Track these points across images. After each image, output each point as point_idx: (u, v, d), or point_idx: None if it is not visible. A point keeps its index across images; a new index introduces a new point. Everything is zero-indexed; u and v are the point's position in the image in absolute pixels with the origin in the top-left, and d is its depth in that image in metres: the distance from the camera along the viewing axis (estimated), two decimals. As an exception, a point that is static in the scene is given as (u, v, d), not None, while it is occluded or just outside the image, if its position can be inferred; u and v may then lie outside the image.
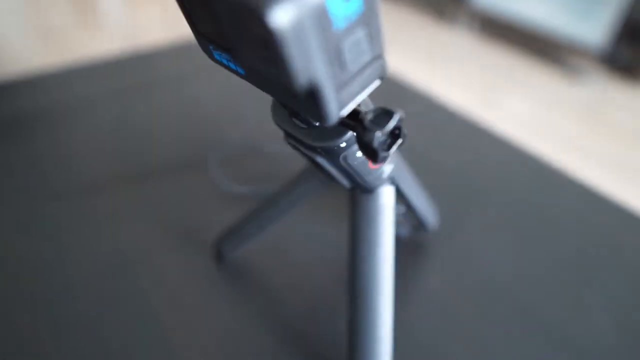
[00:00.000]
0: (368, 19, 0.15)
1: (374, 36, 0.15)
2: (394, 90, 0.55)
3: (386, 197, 0.26)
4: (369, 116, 0.17)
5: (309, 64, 0.14)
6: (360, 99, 0.17)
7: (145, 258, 0.34)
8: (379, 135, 0.17)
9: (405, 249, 0.35)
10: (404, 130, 0.18)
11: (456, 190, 0.41)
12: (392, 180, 0.26)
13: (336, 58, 0.15)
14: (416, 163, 0.43)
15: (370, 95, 0.54)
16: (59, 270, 0.33)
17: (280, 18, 0.12)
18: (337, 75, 0.15)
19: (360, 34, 0.15)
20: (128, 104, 0.50)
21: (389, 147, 0.18)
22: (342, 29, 0.14)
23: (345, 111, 0.17)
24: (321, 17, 0.13)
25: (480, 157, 0.44)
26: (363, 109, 0.18)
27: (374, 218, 0.25)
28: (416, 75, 1.84)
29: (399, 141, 0.18)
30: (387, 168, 0.25)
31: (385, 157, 0.17)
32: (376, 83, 0.17)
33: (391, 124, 0.17)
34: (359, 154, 0.22)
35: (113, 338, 0.29)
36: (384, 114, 0.17)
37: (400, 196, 0.28)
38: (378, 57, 0.16)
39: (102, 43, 1.94)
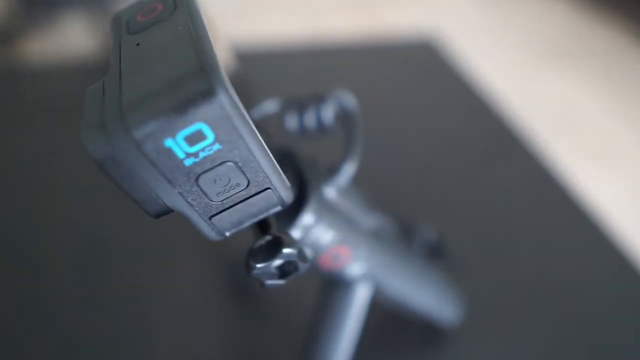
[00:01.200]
0: (233, 156, 0.13)
1: (252, 171, 0.14)
2: (511, 142, 0.49)
3: (355, 297, 0.23)
4: (259, 242, 0.16)
5: (156, 193, 0.13)
6: (250, 223, 0.15)
7: (169, 256, 0.36)
8: (258, 267, 0.15)
9: (418, 336, 0.31)
10: (302, 265, 0.16)
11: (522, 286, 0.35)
12: (370, 280, 0.24)
13: (194, 189, 0.14)
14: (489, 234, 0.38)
15: (472, 134, 0.48)
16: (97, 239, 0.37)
17: (95, 149, 0.12)
18: (201, 204, 0.14)
19: (222, 169, 0.13)
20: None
21: (282, 276, 0.16)
22: (190, 164, 0.13)
23: (232, 233, 0.15)
24: (155, 153, 0.12)
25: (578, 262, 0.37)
26: (276, 225, 0.17)
27: (335, 314, 0.23)
28: (597, 114, 1.52)
29: (296, 273, 0.16)
30: (354, 268, 0.22)
31: (274, 285, 0.16)
32: (275, 209, 0.15)
33: (272, 262, 0.15)
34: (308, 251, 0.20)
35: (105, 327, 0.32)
36: (272, 246, 0.15)
37: (390, 297, 0.25)
38: (265, 189, 0.14)
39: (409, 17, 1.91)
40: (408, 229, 0.36)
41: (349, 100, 0.22)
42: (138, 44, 0.14)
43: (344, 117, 0.22)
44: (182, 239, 0.37)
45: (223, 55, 0.21)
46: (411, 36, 0.67)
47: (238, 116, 0.12)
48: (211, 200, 0.14)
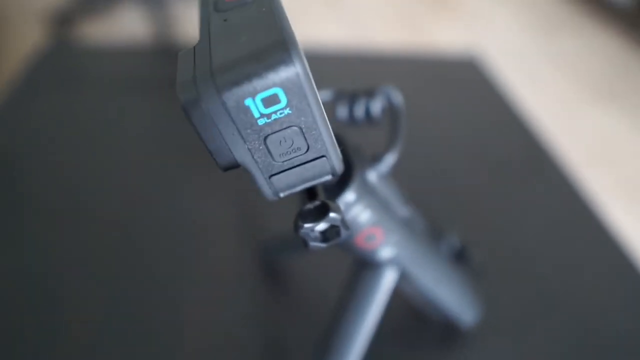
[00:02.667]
0: (299, 122, 0.15)
1: (313, 138, 0.16)
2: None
3: (382, 281, 0.25)
4: (308, 205, 0.18)
5: (229, 146, 0.15)
6: (303, 187, 0.17)
7: (206, 232, 0.38)
8: (306, 227, 0.17)
9: (435, 331, 0.33)
10: (343, 232, 0.17)
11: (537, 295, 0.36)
12: (398, 265, 0.25)
13: (261, 148, 0.16)
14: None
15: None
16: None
17: (188, 100, 0.14)
18: (265, 163, 0.16)
19: (288, 132, 0.15)
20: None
21: (324, 240, 0.18)
22: (262, 124, 0.15)
23: (285, 194, 0.17)
24: (235, 109, 0.14)
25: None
26: (322, 195, 0.19)
27: (361, 296, 0.25)
28: (634, 151, 1.47)
29: (337, 239, 0.18)
30: (384, 251, 0.24)
31: (317, 247, 0.18)
32: (326, 178, 0.17)
33: (318, 224, 0.17)
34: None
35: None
36: (320, 211, 0.17)
37: (414, 286, 0.27)
38: (321, 156, 0.16)
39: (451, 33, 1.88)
40: (435, 234, 0.38)
41: (397, 96, 0.24)
42: (225, 20, 0.16)
43: (391, 111, 0.24)
44: (214, 220, 0.39)
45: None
46: (456, 53, 0.68)
47: (309, 87, 0.14)
48: (274, 160, 0.16)
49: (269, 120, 0.15)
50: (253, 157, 0.16)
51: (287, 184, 0.17)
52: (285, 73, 0.14)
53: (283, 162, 0.16)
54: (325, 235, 0.18)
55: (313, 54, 0.65)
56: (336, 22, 1.90)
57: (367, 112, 0.23)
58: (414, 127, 0.53)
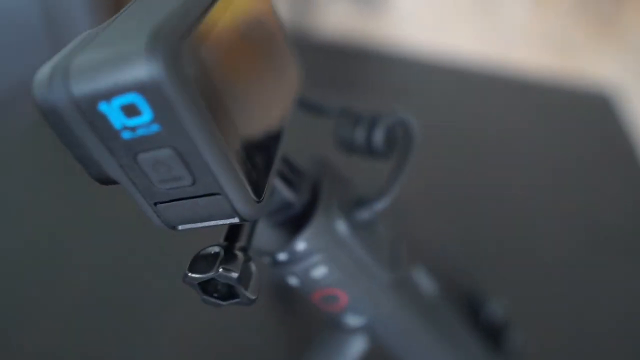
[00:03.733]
0: (174, 144, 0.11)
1: (197, 168, 0.12)
2: None
3: (344, 350, 0.20)
4: (205, 250, 0.14)
5: (97, 158, 0.12)
6: (205, 225, 0.13)
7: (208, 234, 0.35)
8: (189, 277, 0.13)
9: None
10: (245, 294, 0.13)
11: None
12: (370, 336, 0.20)
13: (135, 167, 0.12)
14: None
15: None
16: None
17: (36, 91, 0.11)
18: (145, 186, 0.12)
19: (162, 155, 0.11)
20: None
21: (223, 297, 0.14)
22: (128, 139, 0.11)
23: (185, 229, 0.14)
24: (91, 114, 0.11)
25: None
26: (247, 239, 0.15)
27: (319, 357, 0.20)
28: None
29: (236, 300, 0.14)
30: (349, 319, 0.19)
31: (210, 302, 0.14)
32: (232, 220, 0.13)
33: (202, 277, 0.13)
34: (293, 279, 0.18)
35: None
36: (213, 261, 0.13)
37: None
38: (214, 194, 0.12)
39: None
40: (471, 301, 0.31)
41: (413, 127, 0.19)
42: None
43: (402, 144, 0.19)
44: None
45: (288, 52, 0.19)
46: (589, 87, 0.57)
47: (182, 99, 0.10)
48: (154, 185, 0.12)
49: (135, 134, 0.11)
50: (128, 176, 0.12)
51: (181, 218, 0.13)
52: (141, 75, 0.10)
53: (167, 190, 0.12)
54: (230, 291, 0.14)
55: (427, 62, 0.59)
56: (477, 33, 1.77)
57: (369, 139, 0.19)
58: (504, 157, 0.45)
